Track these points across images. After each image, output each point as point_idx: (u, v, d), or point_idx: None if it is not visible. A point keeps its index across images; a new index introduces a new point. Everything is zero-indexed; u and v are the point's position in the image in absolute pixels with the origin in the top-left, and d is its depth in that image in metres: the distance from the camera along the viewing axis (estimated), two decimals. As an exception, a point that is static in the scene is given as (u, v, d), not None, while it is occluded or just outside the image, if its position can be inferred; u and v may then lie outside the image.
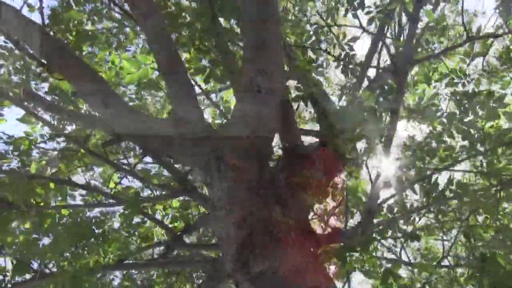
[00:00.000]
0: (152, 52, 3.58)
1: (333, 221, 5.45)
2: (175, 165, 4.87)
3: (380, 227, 4.72)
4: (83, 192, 5.50)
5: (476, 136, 4.92)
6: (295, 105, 6.31)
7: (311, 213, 5.93)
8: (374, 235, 4.25)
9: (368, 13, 5.37)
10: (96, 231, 5.28)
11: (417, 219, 5.09)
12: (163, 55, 3.57)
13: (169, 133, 3.61)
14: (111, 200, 5.37)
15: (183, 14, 3.97)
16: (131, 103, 5.49)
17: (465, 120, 4.88)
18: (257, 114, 3.41)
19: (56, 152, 5.64)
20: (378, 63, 5.34)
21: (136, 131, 3.77)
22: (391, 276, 3.54)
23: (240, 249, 3.32)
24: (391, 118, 4.28)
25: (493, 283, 3.09)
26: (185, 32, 3.88)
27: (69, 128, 5.07)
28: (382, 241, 5.02)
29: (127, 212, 4.15)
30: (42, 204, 5.05)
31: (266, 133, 3.52)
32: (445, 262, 4.41)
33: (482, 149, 4.96)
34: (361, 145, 5.34)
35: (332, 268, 3.45)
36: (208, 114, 6.96)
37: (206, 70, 3.91)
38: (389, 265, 3.62)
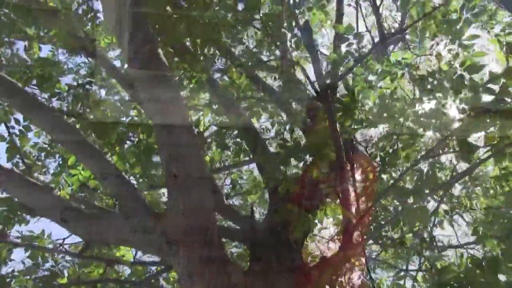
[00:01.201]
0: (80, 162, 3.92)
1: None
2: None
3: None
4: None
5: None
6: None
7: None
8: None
9: (294, 36, 5.45)
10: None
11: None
12: (91, 164, 3.93)
13: (122, 230, 3.93)
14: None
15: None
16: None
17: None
18: (186, 197, 3.64)
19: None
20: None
21: (98, 236, 4.13)
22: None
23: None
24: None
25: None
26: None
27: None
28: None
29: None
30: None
31: (202, 209, 3.73)
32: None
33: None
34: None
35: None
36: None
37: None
38: None
